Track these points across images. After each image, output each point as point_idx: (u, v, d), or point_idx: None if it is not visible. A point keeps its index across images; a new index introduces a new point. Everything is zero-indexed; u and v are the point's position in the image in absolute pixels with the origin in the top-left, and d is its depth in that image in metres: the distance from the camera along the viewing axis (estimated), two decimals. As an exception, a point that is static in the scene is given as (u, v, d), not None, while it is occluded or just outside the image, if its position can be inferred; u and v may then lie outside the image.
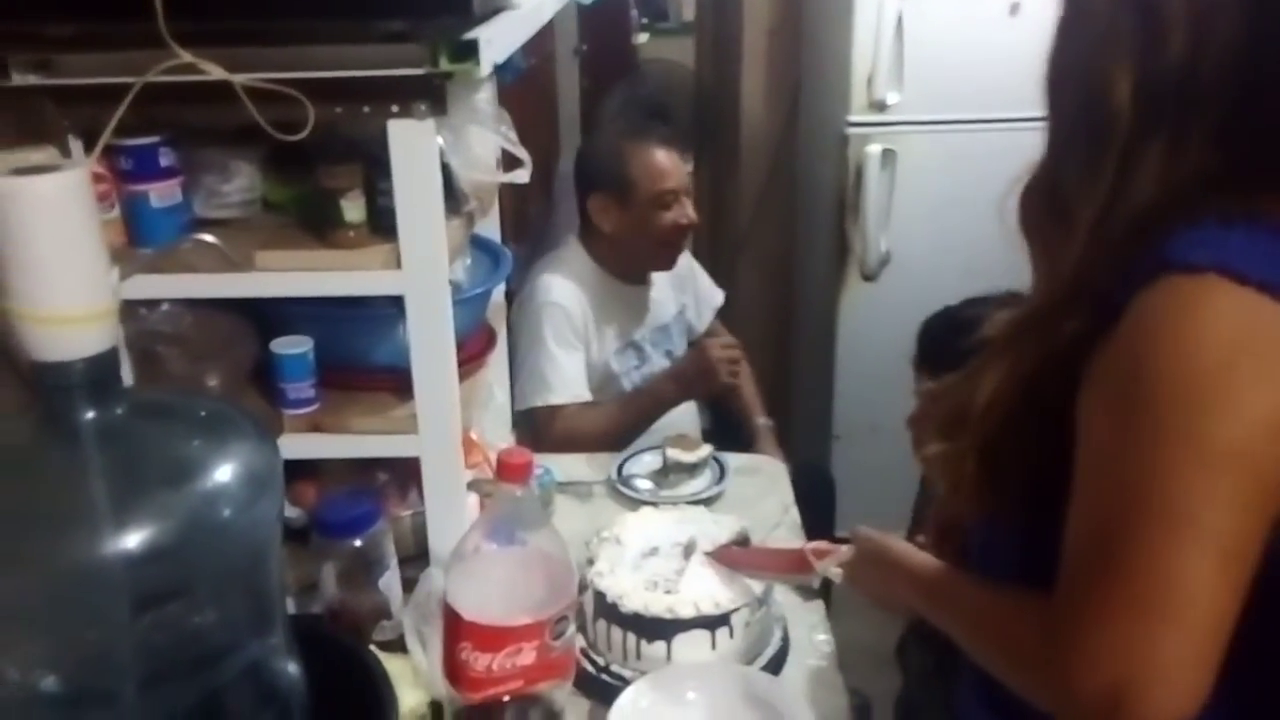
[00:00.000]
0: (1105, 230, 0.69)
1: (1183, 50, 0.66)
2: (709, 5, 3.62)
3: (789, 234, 3.04)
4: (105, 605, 0.74)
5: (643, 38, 4.85)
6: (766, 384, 2.96)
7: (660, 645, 1.14)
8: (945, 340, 1.38)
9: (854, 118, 2.48)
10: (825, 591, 1.30)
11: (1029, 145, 2.60)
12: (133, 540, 0.73)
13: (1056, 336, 0.70)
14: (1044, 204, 0.75)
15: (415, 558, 1.24)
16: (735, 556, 1.23)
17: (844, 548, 1.08)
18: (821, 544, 1.12)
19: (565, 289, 1.91)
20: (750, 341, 3.04)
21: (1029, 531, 0.73)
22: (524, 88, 2.11)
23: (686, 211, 1.94)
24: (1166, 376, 0.62)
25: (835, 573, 1.07)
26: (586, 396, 1.90)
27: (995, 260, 2.73)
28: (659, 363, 2.03)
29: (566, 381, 1.87)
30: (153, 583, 0.75)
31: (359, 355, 1.19)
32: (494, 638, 0.92)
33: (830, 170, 2.61)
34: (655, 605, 1.14)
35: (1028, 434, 0.71)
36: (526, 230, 2.72)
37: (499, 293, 1.49)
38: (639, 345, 2.03)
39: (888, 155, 2.47)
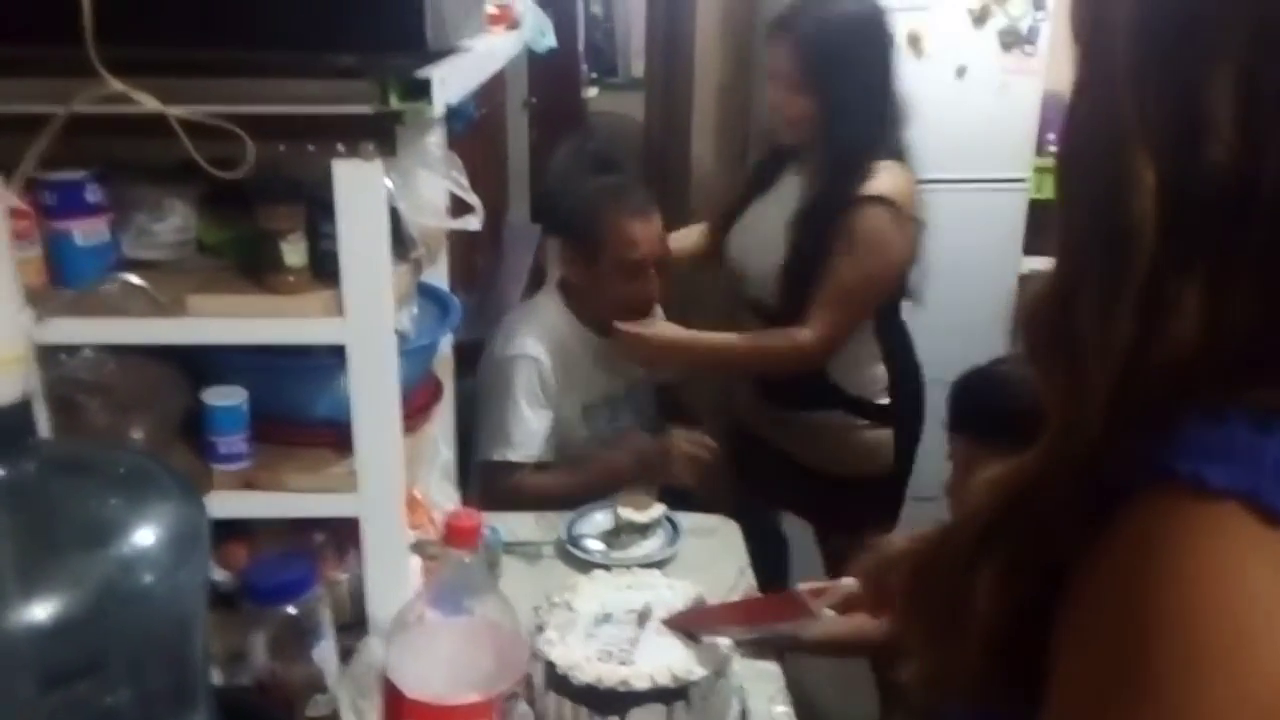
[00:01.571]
0: (1123, 394, 0.51)
1: (1231, 151, 0.48)
2: (659, 60, 3.64)
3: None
4: (10, 681, 0.67)
5: (592, 91, 4.89)
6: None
7: None
8: (983, 400, 1.33)
9: (804, 174, 2.48)
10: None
11: (978, 205, 2.63)
12: (41, 611, 0.66)
13: (1050, 542, 0.54)
14: (1054, 332, 0.57)
15: (352, 625, 1.16)
16: (714, 615, 1.17)
17: (841, 582, 1.03)
18: (814, 584, 1.07)
19: (540, 343, 1.85)
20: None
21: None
22: (474, 137, 2.08)
23: (648, 285, 1.86)
24: (1159, 642, 0.47)
25: (830, 614, 1.01)
26: (545, 457, 1.83)
27: (947, 317, 2.76)
28: (630, 420, 1.96)
29: (528, 439, 1.81)
30: (62, 658, 0.68)
31: (296, 408, 1.12)
32: (439, 717, 0.85)
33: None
34: (609, 677, 1.08)
35: (1031, 642, 0.54)
36: (475, 280, 2.67)
37: (446, 343, 1.43)
38: (612, 401, 1.96)
39: (837, 212, 2.47)
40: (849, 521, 1.97)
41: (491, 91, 2.06)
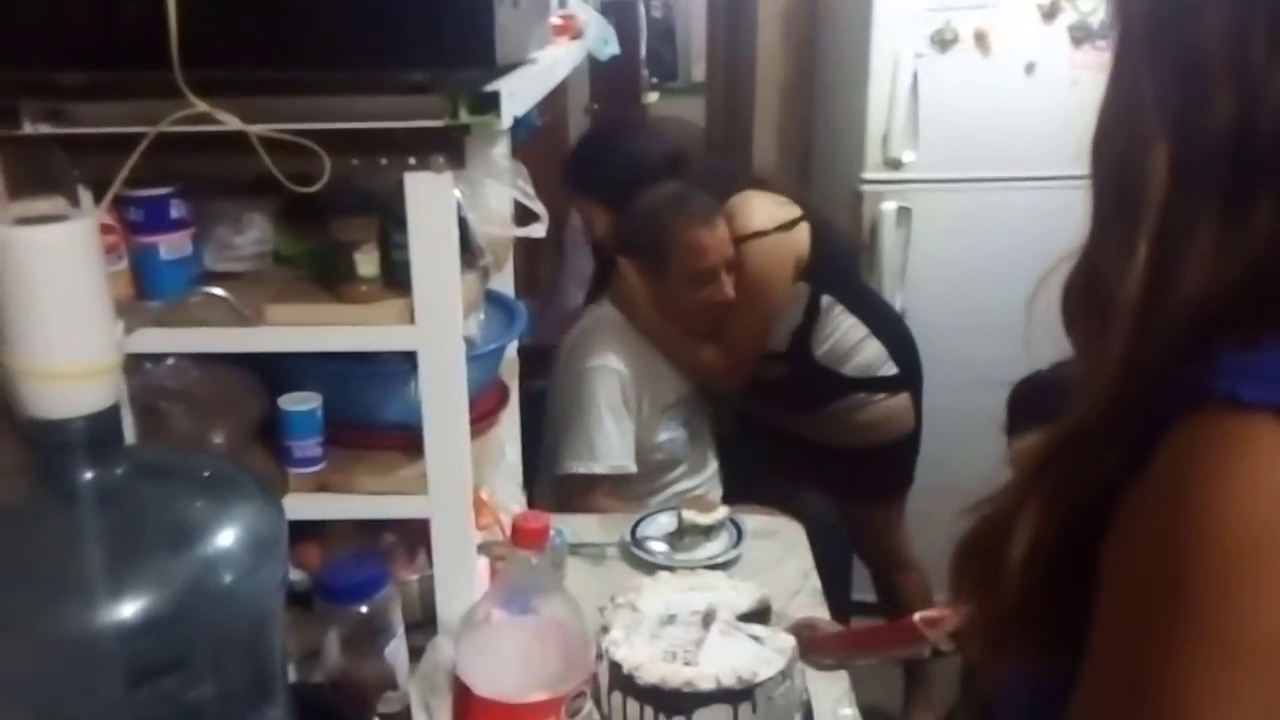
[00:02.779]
0: (1148, 325, 0.56)
1: (1231, 109, 0.55)
2: (721, 62, 3.64)
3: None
4: (98, 678, 0.70)
5: (653, 97, 4.91)
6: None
7: (679, 720, 1.09)
8: (1040, 404, 1.33)
9: (869, 175, 2.47)
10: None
11: (1046, 205, 2.60)
12: (129, 609, 0.69)
13: (1094, 471, 0.57)
14: (1084, 296, 0.63)
15: (422, 624, 1.19)
16: (826, 643, 1.17)
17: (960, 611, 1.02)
18: (931, 612, 1.07)
19: (618, 352, 1.87)
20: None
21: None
22: (536, 144, 2.11)
23: (723, 289, 1.89)
24: (1193, 544, 0.50)
25: (949, 644, 1.01)
26: (631, 468, 1.86)
27: (1013, 320, 2.71)
28: (685, 434, 1.98)
29: (612, 451, 1.83)
30: (149, 654, 0.71)
31: (368, 412, 1.15)
32: (508, 715, 0.88)
33: (844, 228, 2.59)
34: (674, 678, 1.09)
35: (1074, 584, 0.58)
36: (538, 285, 2.70)
37: (512, 349, 1.46)
38: (687, 400, 1.98)
39: (903, 213, 2.45)
40: (873, 489, 2.16)
41: (554, 98, 2.09)
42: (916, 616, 1.09)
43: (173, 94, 0.86)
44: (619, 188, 1.98)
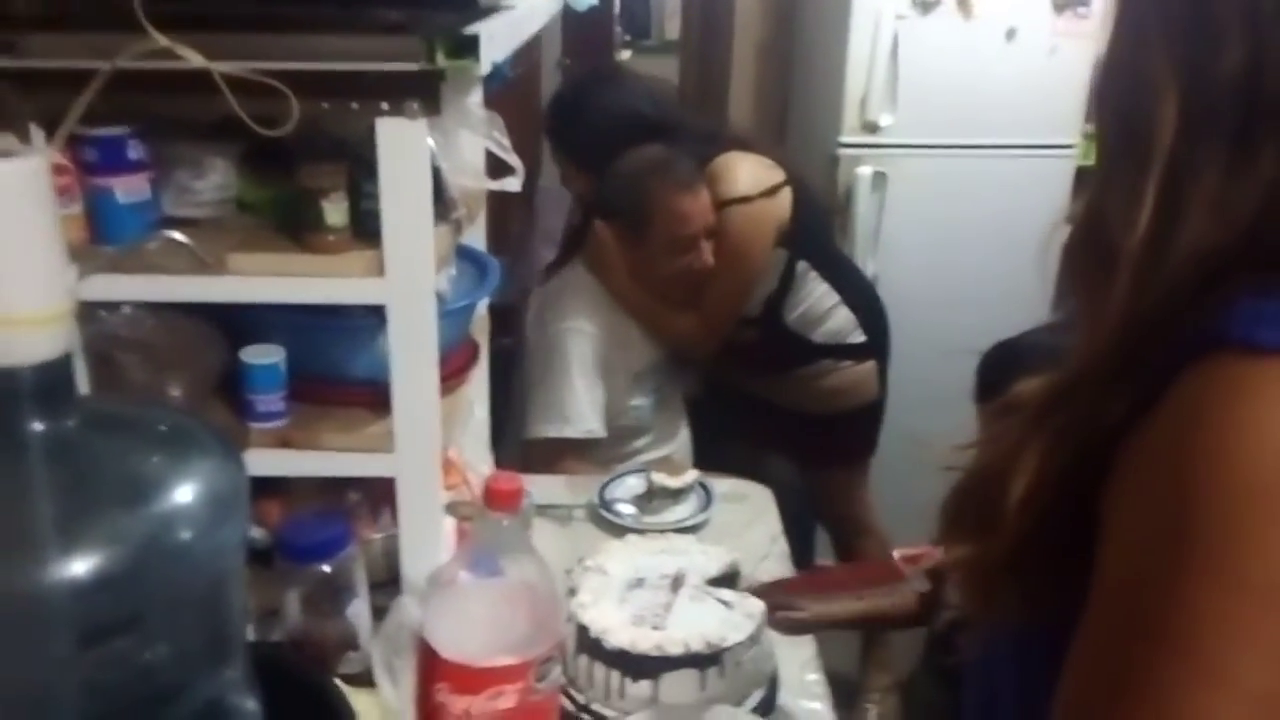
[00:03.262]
0: (1152, 274, 0.56)
1: (1242, 57, 0.55)
2: (696, 20, 3.59)
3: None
4: (48, 637, 0.67)
5: (626, 54, 4.83)
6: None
7: (646, 684, 1.08)
8: (1008, 372, 1.32)
9: (846, 139, 2.45)
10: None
11: (1023, 174, 2.61)
12: (81, 566, 0.66)
13: (1098, 417, 0.57)
14: (1087, 244, 0.62)
15: (385, 584, 1.16)
16: (804, 584, 1.17)
17: (936, 551, 1.02)
18: (910, 550, 1.07)
19: (590, 315, 1.84)
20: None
21: (1067, 643, 0.59)
22: (508, 98, 2.06)
23: (703, 256, 1.86)
24: (1207, 485, 0.50)
25: (925, 582, 1.01)
26: (601, 432, 1.83)
27: (987, 286, 2.73)
28: (654, 400, 1.96)
29: (582, 414, 1.80)
30: (102, 614, 0.68)
31: (334, 367, 1.12)
32: (474, 679, 0.86)
33: (819, 192, 2.57)
34: (642, 642, 1.08)
35: (1069, 531, 0.58)
36: (508, 242, 2.66)
37: (483, 306, 1.42)
38: (659, 367, 1.96)
39: (879, 177, 2.44)
40: (837, 455, 2.19)
41: (527, 51, 2.04)
42: (896, 554, 1.09)
43: (132, 27, 0.82)
44: (594, 149, 1.94)
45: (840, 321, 2.04)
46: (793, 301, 1.99)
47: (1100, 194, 0.61)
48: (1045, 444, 0.59)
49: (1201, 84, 0.55)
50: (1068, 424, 0.59)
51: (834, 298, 2.02)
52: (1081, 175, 2.51)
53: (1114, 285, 0.57)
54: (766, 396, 2.13)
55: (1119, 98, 0.61)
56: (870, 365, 2.09)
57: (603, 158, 1.90)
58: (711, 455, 2.03)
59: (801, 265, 1.98)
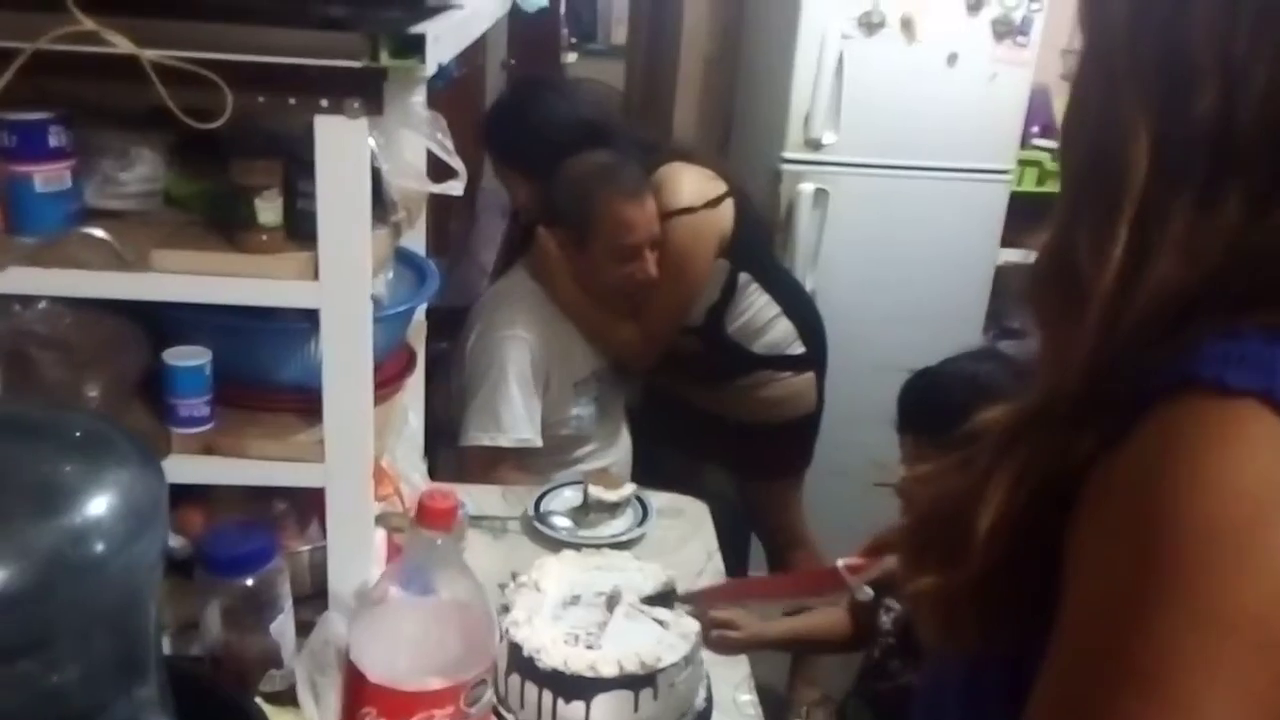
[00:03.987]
0: (1122, 310, 0.56)
1: (1214, 101, 0.55)
2: (644, 28, 3.58)
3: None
4: (-57, 659, 0.63)
5: (571, 57, 4.81)
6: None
7: (579, 705, 1.05)
8: (929, 401, 1.33)
9: (789, 154, 2.46)
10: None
11: (961, 195, 2.64)
12: (-19, 583, 0.62)
13: (1064, 451, 0.57)
14: (1052, 278, 0.62)
15: (311, 598, 1.12)
16: (741, 589, 1.15)
17: (887, 559, 1.01)
18: (853, 560, 1.06)
19: (530, 322, 1.80)
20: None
21: (1019, 676, 0.58)
22: (451, 98, 2.01)
23: (646, 267, 1.83)
24: (1177, 523, 0.50)
25: (867, 591, 1.00)
26: (536, 442, 1.80)
27: (922, 304, 2.75)
28: (595, 410, 1.93)
29: (517, 422, 1.77)
30: (6, 634, 0.64)
31: (262, 372, 1.07)
32: (403, 704, 0.82)
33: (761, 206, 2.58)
34: (576, 662, 1.05)
35: (1032, 563, 0.58)
36: (447, 245, 2.61)
37: (420, 311, 1.39)
38: (599, 375, 1.93)
39: (820, 194, 2.45)
40: (773, 466, 2.19)
41: (472, 51, 2.00)
42: (840, 563, 1.08)
43: (56, 7, 0.77)
44: (536, 156, 1.91)
45: (780, 333, 2.04)
46: (734, 312, 1.99)
47: (1067, 230, 0.61)
48: (1011, 475, 0.59)
49: (1173, 127, 0.55)
50: (1033, 456, 0.59)
51: (774, 309, 2.03)
52: (1015, 200, 2.55)
53: (1082, 321, 0.57)
54: (705, 406, 2.13)
55: (1089, 137, 0.61)
56: (809, 376, 2.10)
57: (545, 165, 1.87)
58: (648, 465, 2.02)
59: (743, 277, 1.98)
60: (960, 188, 2.50)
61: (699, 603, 1.17)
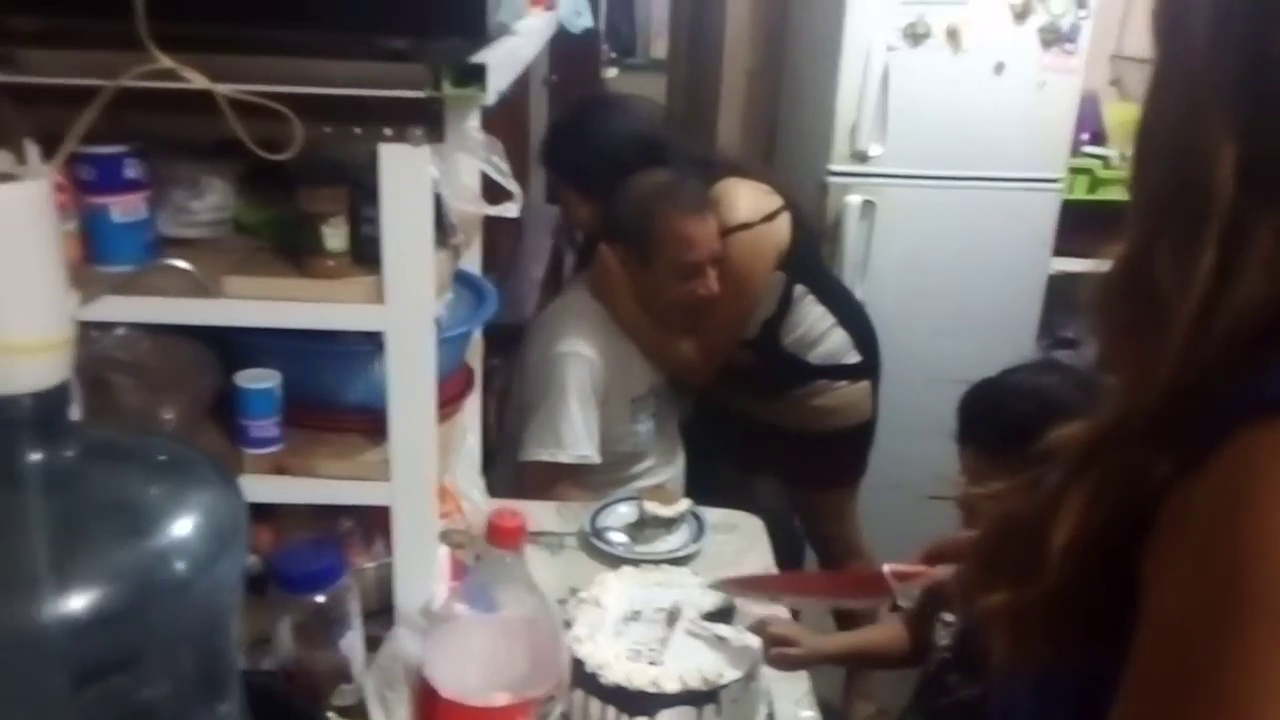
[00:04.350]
0: (1207, 329, 0.55)
1: None
2: (685, 41, 3.60)
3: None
4: (43, 677, 0.65)
5: (612, 72, 4.84)
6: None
7: (642, 721, 1.06)
8: (992, 413, 1.32)
9: (835, 167, 2.46)
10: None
11: (1010, 205, 2.62)
12: (77, 603, 0.64)
13: (1142, 472, 0.56)
14: (1129, 296, 0.61)
15: (377, 614, 1.14)
16: (772, 582, 1.15)
17: (937, 570, 1.01)
18: (902, 566, 1.05)
19: (590, 339, 1.82)
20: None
21: (1090, 690, 0.59)
22: (498, 118, 2.04)
23: (708, 283, 1.85)
24: (1262, 552, 0.49)
25: (911, 597, 1.00)
26: (595, 458, 1.82)
27: (973, 316, 2.73)
28: (653, 426, 1.95)
29: (578, 439, 1.79)
30: (98, 651, 0.66)
31: (329, 393, 1.10)
32: (475, 718, 0.84)
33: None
34: (638, 678, 1.06)
35: (1105, 581, 0.58)
36: (497, 263, 2.64)
37: (477, 331, 1.41)
38: (657, 391, 1.95)
39: (867, 206, 2.44)
40: (829, 475, 2.20)
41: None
42: (886, 568, 1.07)
43: (134, 46, 0.80)
44: (597, 173, 1.93)
45: (836, 343, 2.05)
46: (790, 324, 2.00)
47: (1146, 246, 0.59)
48: (1086, 494, 0.59)
49: (1261, 145, 0.54)
50: (1109, 475, 0.58)
51: (829, 319, 2.03)
52: (1067, 209, 2.53)
53: (1163, 339, 0.56)
54: (760, 418, 2.13)
55: (1168, 156, 0.60)
56: (864, 385, 2.10)
57: (606, 182, 1.89)
58: (699, 479, 2.03)
59: (799, 289, 1.99)
60: (1010, 197, 2.48)
61: (736, 590, 1.16)
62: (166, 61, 0.81)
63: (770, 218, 1.92)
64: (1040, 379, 1.30)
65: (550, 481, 1.79)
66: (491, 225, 2.16)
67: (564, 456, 1.78)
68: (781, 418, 2.10)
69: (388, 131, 0.93)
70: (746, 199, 1.92)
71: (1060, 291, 2.57)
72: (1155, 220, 0.59)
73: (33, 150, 0.94)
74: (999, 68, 2.39)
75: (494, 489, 1.65)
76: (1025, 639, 0.62)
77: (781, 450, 2.15)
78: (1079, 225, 2.48)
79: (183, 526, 0.71)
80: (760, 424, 2.13)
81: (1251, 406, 0.51)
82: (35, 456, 0.68)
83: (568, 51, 3.64)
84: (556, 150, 2.07)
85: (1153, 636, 0.53)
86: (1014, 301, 2.56)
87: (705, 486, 1.91)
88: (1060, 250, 2.54)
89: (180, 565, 0.70)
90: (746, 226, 1.89)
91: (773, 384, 2.07)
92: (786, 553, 1.91)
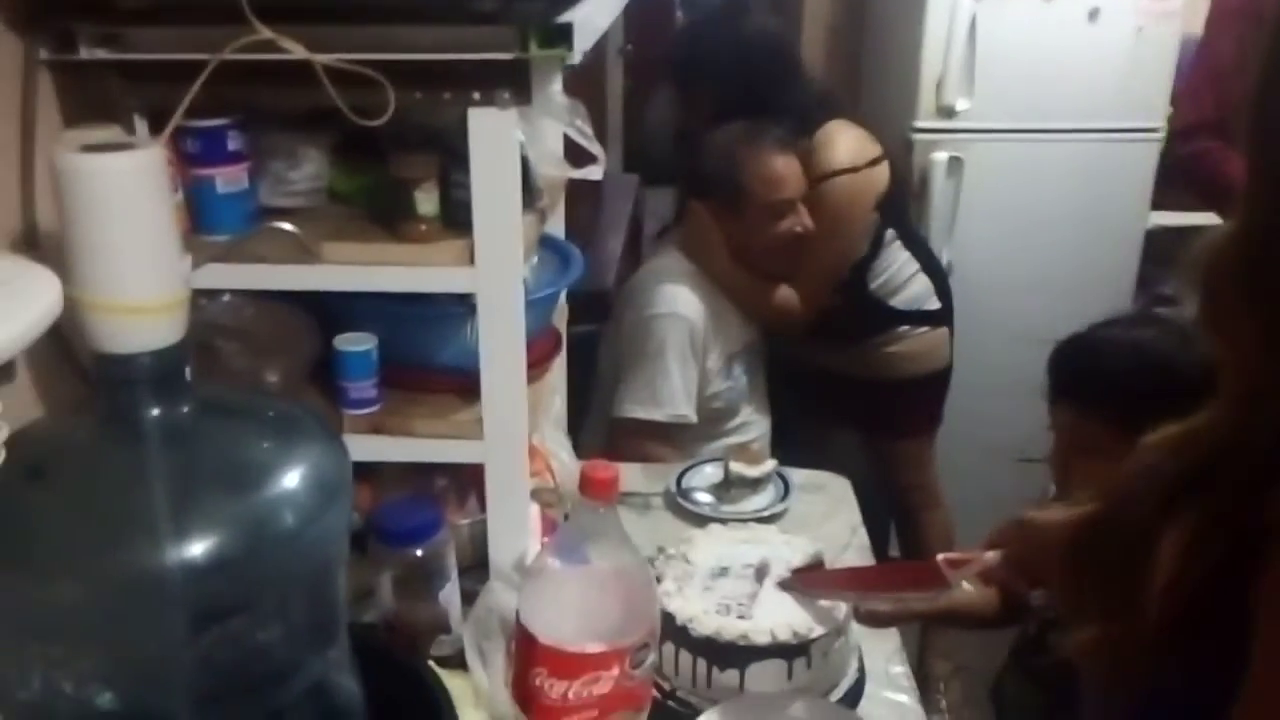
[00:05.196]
0: None
1: None
2: (761, 3, 3.55)
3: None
4: (165, 619, 0.69)
5: (689, 38, 4.79)
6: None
7: (733, 673, 1.08)
8: (1089, 367, 1.28)
9: (920, 123, 2.40)
10: None
11: (1107, 157, 2.52)
12: (196, 549, 0.68)
13: (1253, 507, 0.50)
14: (1243, 288, 0.53)
15: (472, 568, 1.18)
16: (840, 579, 1.15)
17: (987, 555, 1.01)
18: (954, 554, 1.05)
19: (690, 300, 1.84)
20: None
21: (1194, 710, 0.54)
22: (575, 86, 2.04)
23: (803, 220, 1.86)
24: None
25: (969, 587, 1.00)
26: (691, 418, 1.83)
27: (1065, 273, 2.65)
28: (746, 382, 1.96)
29: (674, 398, 1.80)
30: (216, 596, 0.70)
31: (424, 355, 1.13)
32: (572, 664, 0.86)
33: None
34: (729, 631, 1.08)
35: (1212, 618, 0.52)
36: (576, 231, 2.66)
37: (562, 294, 1.43)
38: (750, 350, 1.97)
39: (954, 163, 2.39)
40: (907, 423, 2.20)
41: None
42: (940, 557, 1.07)
43: (234, 19, 0.83)
44: (728, 70, 1.97)
45: (919, 289, 2.06)
46: (878, 268, 2.02)
47: (1264, 229, 0.52)
48: (1190, 528, 0.53)
49: None
50: (1218, 508, 0.53)
51: (914, 265, 2.05)
52: (1166, 159, 2.44)
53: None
54: (838, 369, 2.14)
55: None
56: (944, 331, 2.11)
57: (737, 83, 1.95)
58: (779, 438, 2.03)
59: (889, 234, 2.01)
60: (1105, 149, 2.40)
61: (797, 588, 1.17)
62: (267, 33, 0.84)
63: (873, 164, 1.94)
64: (1137, 332, 1.26)
65: (641, 439, 1.81)
66: (571, 194, 2.19)
67: (659, 415, 1.79)
68: (860, 367, 2.11)
69: (476, 96, 0.94)
70: (850, 144, 1.93)
71: (1159, 246, 2.48)
72: (1276, 206, 0.52)
73: (140, 124, 0.98)
74: (1093, 14, 2.31)
75: (580, 451, 1.68)
76: (1122, 676, 0.58)
77: (860, 400, 2.15)
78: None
79: (291, 479, 0.75)
80: (837, 376, 2.14)
81: None
82: (155, 412, 0.72)
83: (642, 19, 3.62)
84: (694, 45, 2.09)
85: (1266, 670, 0.49)
86: (1109, 258, 2.48)
87: (784, 444, 1.94)
88: (1159, 203, 2.45)
89: (289, 515, 0.73)
90: (850, 170, 1.91)
91: (856, 330, 2.08)
92: (867, 514, 1.91)
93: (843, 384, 2.14)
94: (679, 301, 1.82)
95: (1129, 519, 0.57)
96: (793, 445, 1.91)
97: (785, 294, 1.94)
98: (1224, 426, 0.53)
